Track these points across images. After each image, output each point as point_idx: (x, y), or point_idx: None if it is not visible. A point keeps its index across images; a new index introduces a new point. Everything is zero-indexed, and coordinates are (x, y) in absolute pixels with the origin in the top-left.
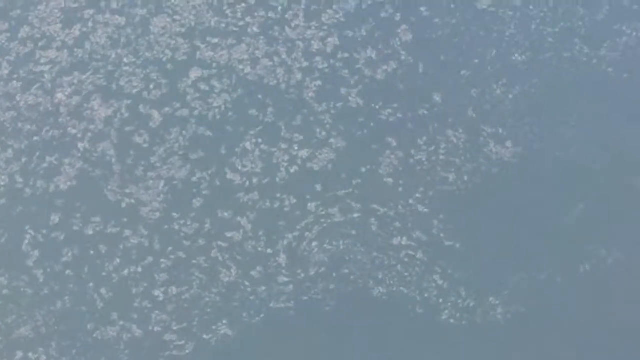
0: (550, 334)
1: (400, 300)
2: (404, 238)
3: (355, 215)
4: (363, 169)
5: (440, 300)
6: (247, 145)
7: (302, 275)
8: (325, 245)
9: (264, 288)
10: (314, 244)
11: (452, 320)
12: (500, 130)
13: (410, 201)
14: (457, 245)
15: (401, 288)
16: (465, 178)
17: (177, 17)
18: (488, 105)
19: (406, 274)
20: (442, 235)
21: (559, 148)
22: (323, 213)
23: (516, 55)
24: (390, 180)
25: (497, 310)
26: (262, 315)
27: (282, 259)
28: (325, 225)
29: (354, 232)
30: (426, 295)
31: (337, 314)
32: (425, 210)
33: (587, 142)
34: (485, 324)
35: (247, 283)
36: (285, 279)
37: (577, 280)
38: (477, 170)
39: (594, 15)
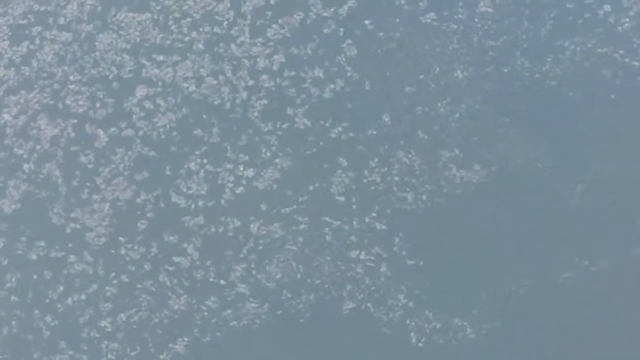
0: (530, 346)
1: (369, 319)
2: (362, 252)
3: (302, 226)
4: (311, 187)
5: (407, 321)
6: (192, 165)
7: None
8: (282, 262)
9: (229, 311)
10: (270, 263)
11: (420, 345)
12: (457, 152)
13: (367, 219)
14: (420, 263)
15: (369, 304)
16: (424, 198)
17: (122, 33)
18: (436, 126)
19: (373, 288)
20: (403, 253)
21: (518, 166)
22: (264, 233)
23: (458, 71)
24: (342, 198)
25: (467, 330)
26: (218, 334)
27: (243, 287)
28: (272, 242)
29: (305, 245)
30: (391, 315)
31: (310, 328)
32: (384, 227)
33: (546, 157)
34: (459, 344)
35: (203, 308)
36: (255, 305)
37: (555, 291)
38: (438, 192)
39: (538, 30)
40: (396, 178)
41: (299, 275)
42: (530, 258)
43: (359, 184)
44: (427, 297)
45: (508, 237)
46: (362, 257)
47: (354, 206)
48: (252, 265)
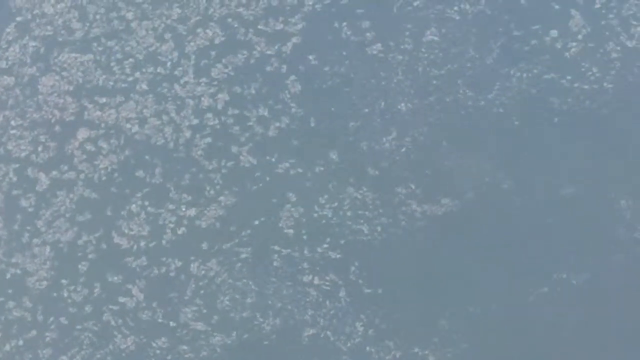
0: None
1: (329, 347)
2: (316, 277)
3: (243, 255)
4: (256, 222)
5: (367, 349)
6: (133, 207)
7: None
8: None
9: (185, 347)
10: (219, 297)
11: None
12: (413, 187)
13: (319, 249)
14: (379, 291)
15: (328, 332)
16: (379, 229)
17: (65, 74)
18: (385, 163)
19: (332, 312)
20: (360, 281)
21: (481, 192)
22: (203, 273)
23: (402, 104)
24: (291, 231)
25: (429, 359)
26: None
27: (200, 325)
28: (215, 277)
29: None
30: (349, 344)
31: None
32: (338, 256)
33: (506, 181)
34: None
35: (154, 345)
36: (219, 338)
37: (528, 308)
38: (395, 224)
39: (484, 58)
40: (349, 213)
41: (250, 301)
42: (500, 280)
43: (309, 218)
44: (386, 326)
45: (473, 262)
46: (315, 282)
47: (304, 237)
48: (202, 308)
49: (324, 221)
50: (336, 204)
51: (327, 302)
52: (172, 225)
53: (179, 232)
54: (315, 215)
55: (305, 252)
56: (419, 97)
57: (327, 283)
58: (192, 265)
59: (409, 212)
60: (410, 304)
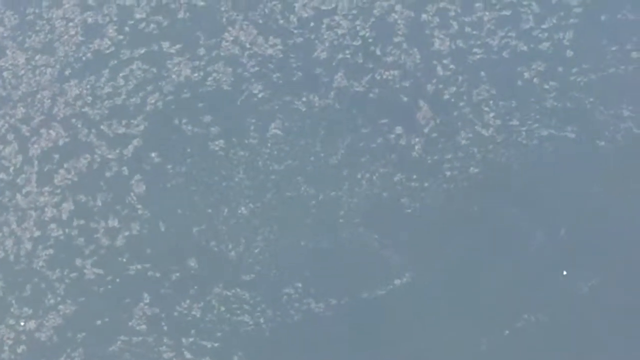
0: None
1: None
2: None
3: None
4: (99, 322)
5: None
6: None
7: None
8: None
9: None
10: None
11: None
12: (300, 284)
13: (184, 340)
14: None
15: None
16: (262, 320)
17: None
18: (257, 267)
19: None
20: None
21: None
22: None
23: (243, 207)
24: (144, 327)
25: None
26: None
27: None
28: None
29: None
30: None
31: None
32: (215, 344)
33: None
34: None
35: None
36: None
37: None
38: (284, 315)
39: (329, 156)
40: (222, 308)
41: None
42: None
43: (169, 315)
44: None
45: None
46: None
47: (165, 327)
48: None
49: (189, 318)
50: (202, 303)
51: None
52: (10, 342)
53: (19, 350)
54: (176, 314)
55: (165, 339)
56: (258, 196)
57: None
58: None
59: (303, 308)
60: None
